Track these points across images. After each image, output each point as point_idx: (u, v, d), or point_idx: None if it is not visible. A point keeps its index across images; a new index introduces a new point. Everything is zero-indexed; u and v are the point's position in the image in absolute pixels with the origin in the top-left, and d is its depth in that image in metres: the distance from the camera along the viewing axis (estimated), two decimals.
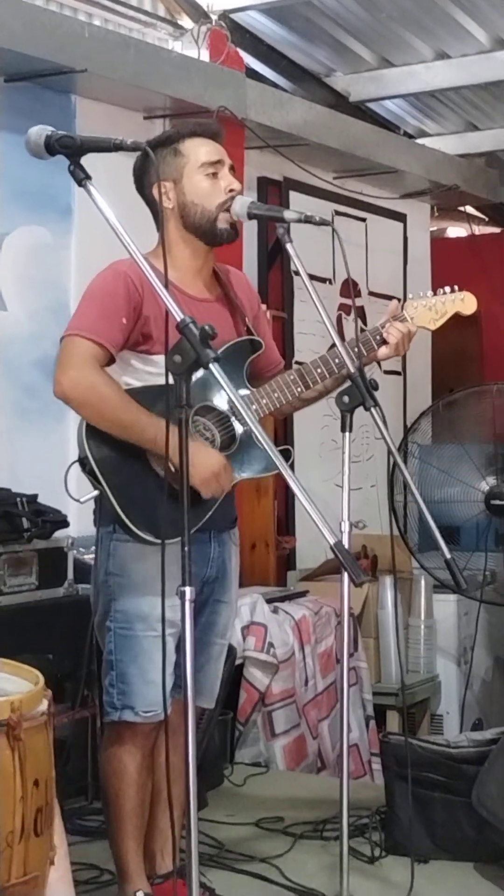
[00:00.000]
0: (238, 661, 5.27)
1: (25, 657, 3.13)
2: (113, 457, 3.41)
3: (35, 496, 4.65)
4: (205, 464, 3.37)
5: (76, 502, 3.52)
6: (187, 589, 2.61)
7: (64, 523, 4.66)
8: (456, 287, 3.67)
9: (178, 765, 3.32)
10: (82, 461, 3.44)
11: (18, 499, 4.56)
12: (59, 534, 4.66)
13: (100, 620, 3.59)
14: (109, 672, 3.55)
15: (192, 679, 2.66)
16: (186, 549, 2.58)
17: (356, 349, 3.57)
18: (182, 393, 2.59)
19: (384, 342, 3.62)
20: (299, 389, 3.60)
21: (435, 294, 3.65)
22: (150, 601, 3.39)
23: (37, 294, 5.43)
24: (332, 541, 2.48)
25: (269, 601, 5.63)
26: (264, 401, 3.58)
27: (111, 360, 3.44)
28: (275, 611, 5.61)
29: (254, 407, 3.56)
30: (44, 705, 2.78)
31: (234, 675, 5.20)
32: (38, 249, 5.46)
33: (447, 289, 3.65)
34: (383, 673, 6.39)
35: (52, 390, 3.40)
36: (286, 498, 6.70)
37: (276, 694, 5.45)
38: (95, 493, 3.45)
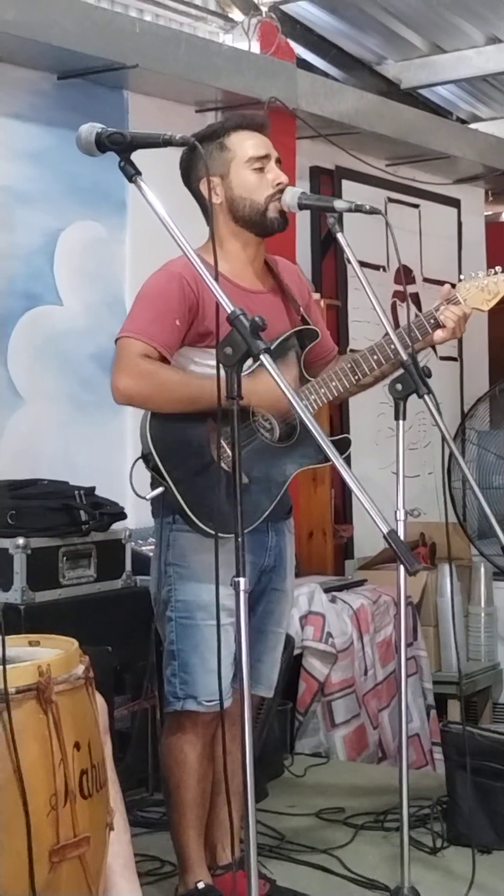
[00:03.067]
0: (297, 652, 5.28)
1: (84, 649, 3.16)
2: (176, 452, 3.43)
3: (93, 489, 4.67)
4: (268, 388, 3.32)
5: (141, 498, 3.53)
6: (241, 579, 2.61)
7: (121, 515, 4.69)
8: None
9: (238, 755, 3.34)
10: (146, 458, 3.46)
11: (76, 492, 4.59)
12: (116, 526, 4.69)
13: (160, 611, 3.60)
14: (171, 662, 3.57)
15: (248, 669, 2.66)
16: (239, 539, 2.58)
17: (410, 335, 3.56)
18: (234, 385, 2.59)
19: (438, 326, 3.59)
20: (356, 378, 3.59)
21: (487, 275, 3.62)
22: (210, 590, 3.37)
23: (92, 289, 5.47)
24: (385, 530, 2.48)
25: (326, 590, 5.63)
26: (322, 390, 3.57)
27: (165, 363, 3.44)
28: (333, 600, 5.61)
29: (312, 397, 3.57)
30: (79, 669, 2.80)
31: (293, 665, 5.21)
32: (92, 244, 5.50)
33: (499, 269, 3.62)
34: (443, 661, 6.38)
35: (114, 399, 3.42)
36: (343, 486, 6.69)
37: (336, 684, 5.45)
38: (161, 489, 3.46)
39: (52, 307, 5.31)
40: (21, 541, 4.26)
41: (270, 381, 3.20)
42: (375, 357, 3.57)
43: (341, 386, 3.58)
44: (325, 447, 2.57)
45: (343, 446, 3.67)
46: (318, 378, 3.61)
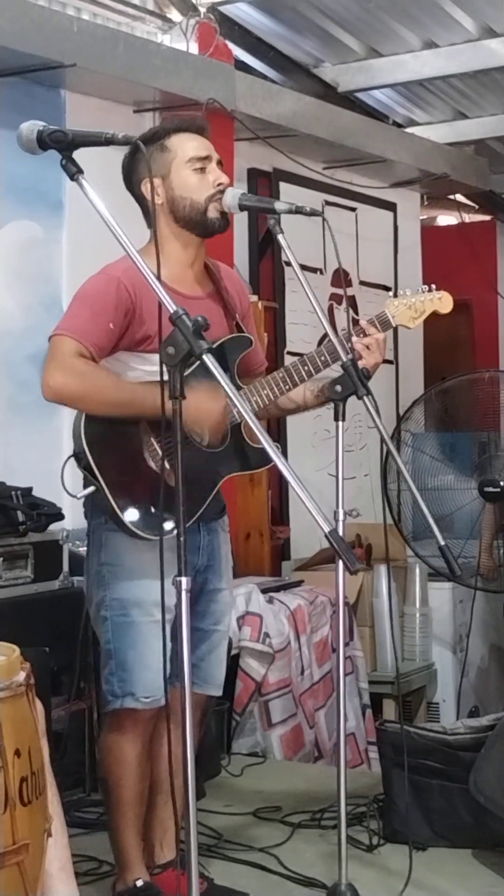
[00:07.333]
0: (234, 652, 5.29)
1: (21, 650, 3.16)
2: (109, 453, 3.43)
3: (30, 489, 4.66)
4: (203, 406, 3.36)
5: (72, 497, 3.54)
6: (183, 579, 2.62)
7: (59, 516, 4.68)
8: (433, 286, 3.70)
9: (180, 755, 3.34)
10: (78, 456, 3.46)
11: (13, 492, 4.58)
12: (54, 527, 4.68)
13: (95, 611, 3.61)
14: (108, 661, 3.57)
15: (189, 669, 2.66)
16: (182, 539, 2.59)
17: (349, 340, 3.60)
18: (177, 384, 2.60)
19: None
20: (287, 387, 3.61)
21: (416, 293, 3.68)
22: (145, 587, 3.43)
23: (29, 289, 5.44)
24: (326, 529, 2.49)
25: (263, 591, 5.64)
26: (254, 398, 3.59)
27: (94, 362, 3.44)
28: (270, 601, 5.62)
29: (254, 398, 3.59)
30: (20, 676, 2.79)
31: (231, 665, 5.21)
32: (29, 244, 5.48)
33: (426, 287, 3.70)
34: (379, 661, 6.41)
35: (42, 395, 3.40)
36: (280, 488, 6.71)
37: (273, 684, 5.46)
38: (91, 488, 3.46)
39: None
40: None
41: (201, 397, 3.24)
42: (306, 368, 3.61)
43: (272, 394, 3.60)
44: (267, 446, 2.57)
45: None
46: (250, 386, 3.63)
